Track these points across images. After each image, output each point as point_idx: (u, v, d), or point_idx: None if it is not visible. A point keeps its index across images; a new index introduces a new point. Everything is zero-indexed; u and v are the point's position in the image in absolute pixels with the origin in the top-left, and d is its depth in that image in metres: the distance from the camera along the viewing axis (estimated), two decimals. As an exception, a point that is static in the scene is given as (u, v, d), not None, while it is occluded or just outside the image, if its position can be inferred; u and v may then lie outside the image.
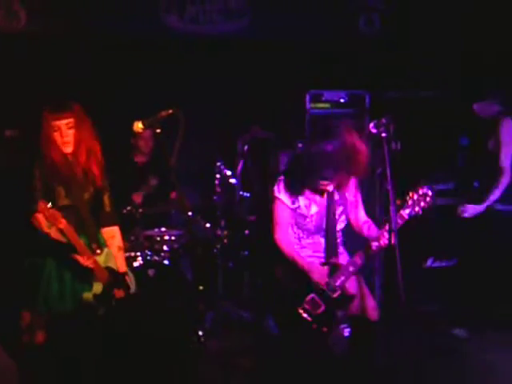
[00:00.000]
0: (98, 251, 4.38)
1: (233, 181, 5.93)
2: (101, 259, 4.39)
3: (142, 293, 4.84)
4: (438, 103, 6.78)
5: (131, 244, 5.65)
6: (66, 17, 6.73)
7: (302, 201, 4.49)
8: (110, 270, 4.44)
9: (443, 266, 6.40)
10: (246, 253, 6.20)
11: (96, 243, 4.40)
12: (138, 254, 5.65)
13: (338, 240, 4.56)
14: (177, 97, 6.11)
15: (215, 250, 5.95)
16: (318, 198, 4.51)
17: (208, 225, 5.96)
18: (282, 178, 4.52)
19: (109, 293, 4.42)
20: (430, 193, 4.23)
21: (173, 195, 6.05)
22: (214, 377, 4.99)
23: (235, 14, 7.07)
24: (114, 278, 4.45)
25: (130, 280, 4.59)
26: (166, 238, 5.82)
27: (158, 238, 5.82)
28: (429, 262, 6.45)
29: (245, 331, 5.85)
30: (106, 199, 4.51)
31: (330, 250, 4.49)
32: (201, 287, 5.98)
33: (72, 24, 6.73)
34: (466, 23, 7.05)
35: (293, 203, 4.48)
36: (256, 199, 6.25)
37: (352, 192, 4.59)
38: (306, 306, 4.37)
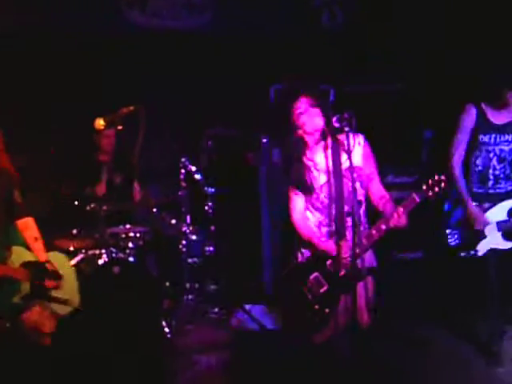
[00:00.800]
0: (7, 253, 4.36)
1: (198, 176, 5.91)
2: (12, 259, 4.36)
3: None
4: (401, 97, 6.82)
5: (96, 241, 5.60)
6: (27, 13, 6.63)
7: (313, 173, 4.40)
8: (27, 264, 4.41)
9: (408, 258, 6.45)
10: (212, 248, 6.17)
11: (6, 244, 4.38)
12: (103, 251, 5.59)
13: (361, 210, 4.39)
14: (140, 93, 6.09)
15: (181, 246, 5.92)
16: (325, 166, 4.40)
17: (173, 221, 5.93)
18: None
19: (39, 285, 4.41)
20: (444, 179, 4.14)
21: (137, 193, 6.01)
22: (181, 373, 4.98)
23: (198, 8, 7.03)
24: (36, 269, 4.42)
25: (55, 267, 4.54)
26: (131, 234, 5.78)
27: (123, 235, 5.77)
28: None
29: (212, 327, 5.85)
30: (17, 192, 4.51)
31: (340, 219, 4.35)
32: (167, 283, 5.96)
33: (33, 21, 6.63)
34: (427, 17, 7.08)
35: (301, 185, 4.40)
36: (222, 194, 6.22)
37: (369, 163, 4.48)
38: (310, 285, 4.34)
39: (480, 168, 5.06)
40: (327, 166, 4.37)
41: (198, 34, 7.03)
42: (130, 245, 5.74)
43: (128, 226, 5.85)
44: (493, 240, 4.99)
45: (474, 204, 4.99)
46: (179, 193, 5.87)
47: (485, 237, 4.99)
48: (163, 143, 6.59)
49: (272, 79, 6.76)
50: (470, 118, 5.02)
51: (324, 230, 4.42)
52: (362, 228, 4.30)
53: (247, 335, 5.74)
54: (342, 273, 4.28)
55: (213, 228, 6.13)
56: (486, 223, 4.97)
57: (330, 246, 4.33)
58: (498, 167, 5.04)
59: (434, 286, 6.22)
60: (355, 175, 4.25)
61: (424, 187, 4.16)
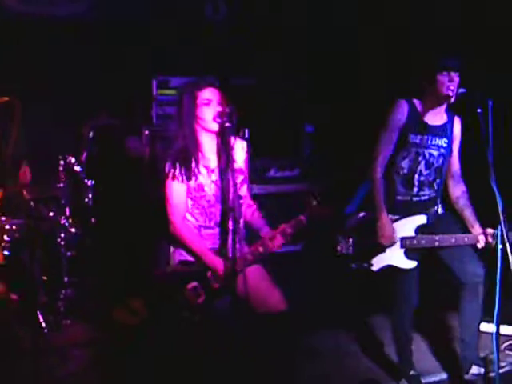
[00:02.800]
0: None
1: (77, 168, 5.80)
2: None
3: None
4: (283, 91, 6.88)
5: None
6: None
7: (201, 169, 4.27)
8: None
9: (289, 252, 6.51)
10: (92, 241, 6.07)
11: None
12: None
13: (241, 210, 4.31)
14: (18, 83, 5.90)
15: (59, 239, 5.80)
16: (215, 165, 4.32)
17: (51, 213, 5.79)
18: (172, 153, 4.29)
19: None
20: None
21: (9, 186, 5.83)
22: (56, 369, 4.88)
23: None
24: None
25: None
26: (7, 227, 5.59)
27: (-2, 228, 5.59)
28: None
29: (90, 321, 5.77)
30: None
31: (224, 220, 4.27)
32: (44, 277, 5.82)
33: None
34: (313, 10, 7.16)
35: (188, 179, 4.23)
36: (102, 186, 6.12)
37: (247, 169, 4.45)
38: (187, 295, 4.17)
39: (405, 171, 4.61)
40: (218, 165, 4.30)
41: (78, 21, 6.85)
42: (6, 238, 5.55)
43: (4, 218, 5.67)
44: (392, 257, 4.58)
45: (388, 217, 4.56)
46: (58, 185, 5.75)
47: (383, 251, 4.59)
48: (42, 133, 6.41)
49: (155, 70, 6.68)
50: (400, 115, 4.56)
51: (205, 232, 4.32)
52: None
53: (128, 329, 5.69)
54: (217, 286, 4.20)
55: (93, 220, 6.04)
56: (394, 241, 4.55)
57: (217, 262, 4.20)
58: (424, 173, 4.62)
59: (314, 280, 6.33)
60: (242, 177, 4.31)
61: (308, 210, 4.07)
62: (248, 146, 4.48)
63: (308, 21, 7.14)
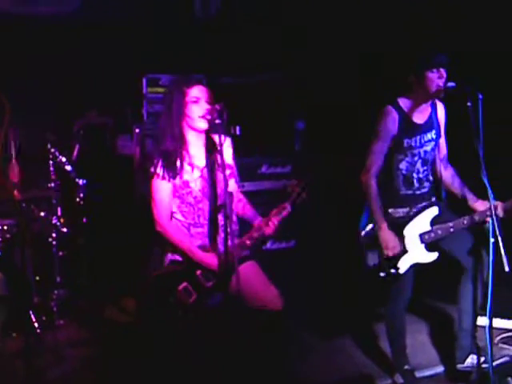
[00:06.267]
0: None
1: (68, 167, 5.78)
2: None
3: None
4: (273, 87, 6.86)
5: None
6: None
7: (185, 167, 4.26)
8: None
9: (281, 248, 6.51)
10: (84, 241, 6.06)
11: None
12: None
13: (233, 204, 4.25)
14: (6, 81, 5.87)
15: (51, 239, 5.78)
16: (200, 162, 4.33)
17: (42, 213, 5.77)
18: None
19: None
20: (304, 185, 4.23)
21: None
22: (50, 370, 4.87)
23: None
24: None
25: None
26: (-2, 228, 5.57)
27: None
28: (268, 245, 6.54)
29: (83, 321, 5.76)
30: None
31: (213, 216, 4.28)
32: (37, 277, 5.81)
33: None
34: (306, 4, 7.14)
35: (173, 177, 4.22)
36: (93, 185, 6.11)
37: (234, 165, 4.47)
38: (178, 296, 4.15)
39: (404, 172, 4.61)
40: (206, 161, 4.31)
41: (69, 20, 6.83)
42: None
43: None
44: (416, 255, 4.57)
45: (388, 227, 4.53)
46: (49, 184, 5.74)
47: (406, 252, 4.58)
48: (32, 133, 6.38)
49: (145, 68, 6.65)
50: (391, 124, 4.53)
51: (194, 230, 4.30)
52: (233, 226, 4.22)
53: (120, 328, 5.68)
54: (210, 284, 4.20)
55: (84, 220, 6.03)
56: (399, 249, 4.55)
57: (207, 259, 4.20)
58: (421, 170, 4.64)
59: (307, 277, 6.32)
60: (229, 171, 4.27)
61: (293, 196, 4.19)
62: (232, 142, 4.48)
63: (300, 17, 7.11)
